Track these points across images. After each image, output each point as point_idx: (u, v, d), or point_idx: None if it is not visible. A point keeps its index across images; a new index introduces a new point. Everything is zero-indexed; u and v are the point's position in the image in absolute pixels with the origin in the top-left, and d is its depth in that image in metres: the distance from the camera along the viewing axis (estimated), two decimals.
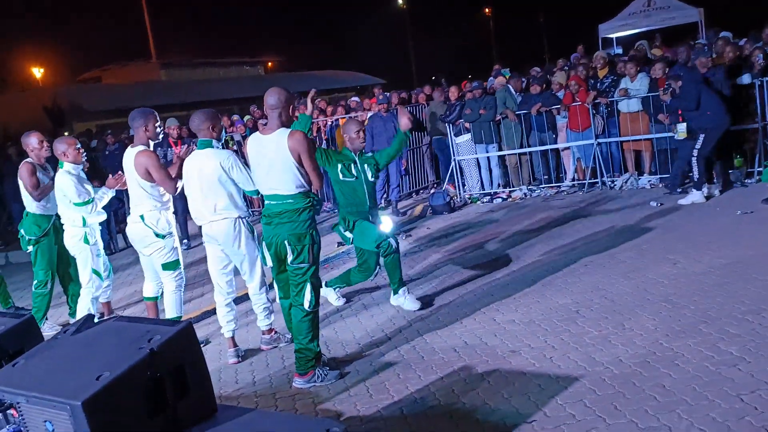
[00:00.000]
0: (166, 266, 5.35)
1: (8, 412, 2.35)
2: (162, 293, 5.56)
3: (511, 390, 3.98)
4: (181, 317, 5.42)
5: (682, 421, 3.34)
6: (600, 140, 9.79)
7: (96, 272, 6.17)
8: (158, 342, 2.41)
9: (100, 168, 11.69)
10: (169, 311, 5.41)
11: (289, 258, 4.36)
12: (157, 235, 5.27)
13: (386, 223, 8.54)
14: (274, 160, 4.27)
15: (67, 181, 5.95)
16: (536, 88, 10.25)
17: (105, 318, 2.59)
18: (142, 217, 5.26)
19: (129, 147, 5.32)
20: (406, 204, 11.16)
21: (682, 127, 8.36)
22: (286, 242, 4.34)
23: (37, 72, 37.58)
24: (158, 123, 5.30)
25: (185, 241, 9.78)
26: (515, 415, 3.67)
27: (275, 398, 4.43)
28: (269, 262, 4.64)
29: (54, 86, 34.38)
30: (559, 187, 10.32)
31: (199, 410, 2.50)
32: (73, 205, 5.96)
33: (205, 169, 4.86)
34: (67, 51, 37.28)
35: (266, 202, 4.46)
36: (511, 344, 4.68)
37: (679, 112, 8.46)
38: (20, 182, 6.49)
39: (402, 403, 4.06)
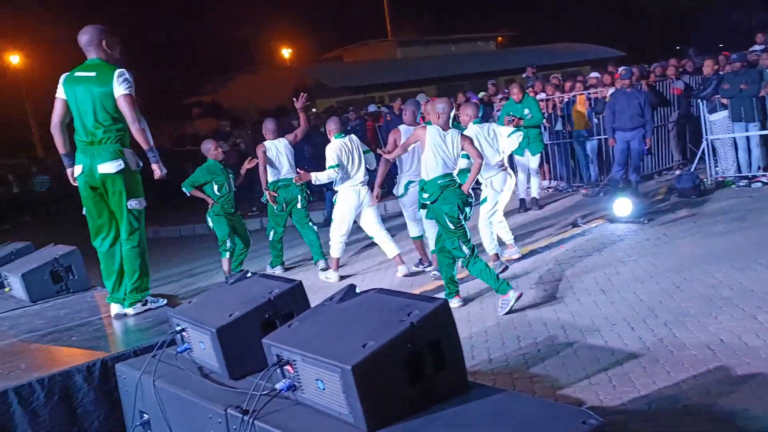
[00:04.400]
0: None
1: (285, 368, 2.62)
2: (424, 233, 7.00)
3: None
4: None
5: None
6: None
7: None
8: (418, 317, 2.50)
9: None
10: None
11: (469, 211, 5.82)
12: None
13: (624, 204, 8.17)
14: (452, 150, 5.79)
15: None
16: None
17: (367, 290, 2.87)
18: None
19: (413, 126, 6.75)
20: (647, 186, 10.48)
21: None
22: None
23: (286, 52, 40.99)
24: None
25: None
26: None
27: (512, 378, 4.43)
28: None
29: (300, 65, 37.31)
30: None
31: (452, 385, 2.57)
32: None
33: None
34: (312, 32, 40.10)
35: (441, 180, 5.73)
36: None
37: None
38: None
39: (649, 398, 3.84)
